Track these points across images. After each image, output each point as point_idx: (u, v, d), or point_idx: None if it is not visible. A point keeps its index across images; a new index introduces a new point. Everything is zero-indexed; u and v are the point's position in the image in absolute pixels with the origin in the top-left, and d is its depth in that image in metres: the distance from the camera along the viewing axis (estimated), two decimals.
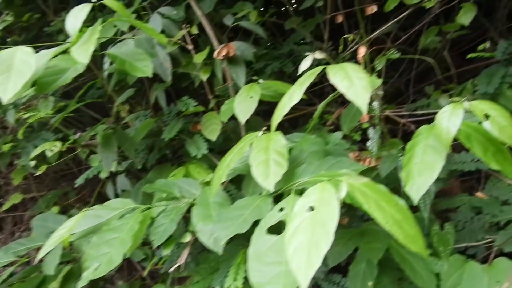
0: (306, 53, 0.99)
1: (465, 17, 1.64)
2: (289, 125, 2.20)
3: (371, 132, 1.31)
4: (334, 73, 0.98)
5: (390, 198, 0.91)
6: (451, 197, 1.66)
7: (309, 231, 0.81)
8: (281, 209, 1.00)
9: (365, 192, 0.89)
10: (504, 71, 1.51)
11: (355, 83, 0.94)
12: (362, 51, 1.14)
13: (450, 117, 0.97)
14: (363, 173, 1.44)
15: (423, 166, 1.01)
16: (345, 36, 1.38)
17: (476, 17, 2.20)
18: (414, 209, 1.37)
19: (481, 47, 1.54)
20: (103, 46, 1.64)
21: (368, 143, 1.36)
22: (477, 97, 1.58)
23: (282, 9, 2.44)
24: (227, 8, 2.10)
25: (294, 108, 2.27)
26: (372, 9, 1.55)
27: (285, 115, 2.13)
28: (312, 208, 0.85)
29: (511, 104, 1.49)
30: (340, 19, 1.66)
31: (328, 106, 2.04)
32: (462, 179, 1.99)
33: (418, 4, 1.71)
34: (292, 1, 2.53)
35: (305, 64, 1.01)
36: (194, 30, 1.57)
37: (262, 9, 2.45)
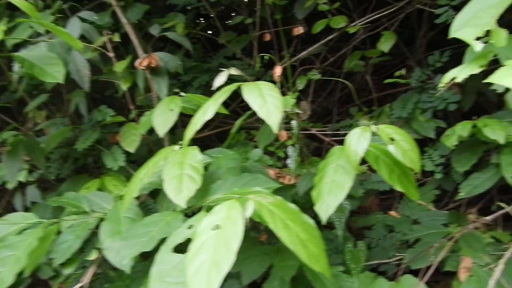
0: (222, 69, 0.98)
1: (385, 44, 1.74)
2: (217, 139, 2.19)
3: (290, 150, 1.32)
4: (249, 91, 0.98)
5: (298, 217, 0.92)
6: (367, 215, 1.72)
7: (212, 250, 0.79)
8: (191, 227, 0.97)
9: (272, 211, 0.88)
10: (417, 98, 1.60)
11: (267, 102, 0.95)
12: (278, 70, 1.15)
13: (358, 140, 1.00)
14: (283, 190, 1.46)
15: (333, 186, 1.03)
16: (261, 54, 1.39)
17: (399, 45, 2.35)
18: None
19: (397, 73, 1.63)
20: (18, 47, 1.53)
21: (287, 161, 1.38)
22: (393, 121, 1.66)
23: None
24: (160, 18, 2.06)
25: (224, 122, 2.27)
26: (298, 30, 1.59)
27: (213, 129, 2.11)
28: (218, 227, 0.83)
29: (423, 129, 1.58)
30: (268, 37, 1.68)
31: (257, 122, 2.05)
32: (382, 197, 2.08)
33: (343, 28, 1.78)
34: (234, 14, 2.55)
35: (219, 80, 1.00)
36: (116, 38, 1.51)
37: (203, 19, 2.44)
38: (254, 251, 1.35)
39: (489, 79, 0.61)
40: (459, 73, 0.71)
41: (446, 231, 1.45)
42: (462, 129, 1.31)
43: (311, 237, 0.88)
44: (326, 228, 1.62)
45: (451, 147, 1.32)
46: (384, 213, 1.67)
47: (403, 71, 1.60)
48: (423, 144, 1.74)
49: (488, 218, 1.25)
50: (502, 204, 1.15)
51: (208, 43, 2.29)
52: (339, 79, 1.74)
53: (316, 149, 2.25)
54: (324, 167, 1.08)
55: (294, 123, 1.23)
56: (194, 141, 2.10)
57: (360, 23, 1.85)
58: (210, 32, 2.35)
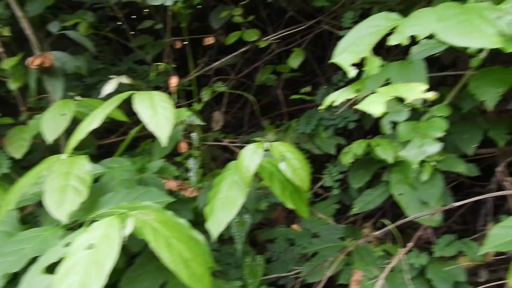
0: (112, 76, 0.93)
1: (295, 60, 1.78)
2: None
3: (191, 163, 1.29)
4: (140, 100, 0.94)
5: (185, 234, 0.89)
6: (272, 228, 1.74)
7: (82, 271, 0.73)
8: (68, 244, 0.89)
9: (156, 228, 0.84)
10: (321, 115, 1.66)
11: (158, 113, 0.91)
12: (173, 81, 1.12)
13: (251, 156, 1.00)
14: (184, 203, 1.42)
15: (226, 202, 1.02)
16: (156, 64, 1.36)
17: (312, 62, 2.43)
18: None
19: (303, 90, 1.67)
20: None
21: (189, 174, 1.34)
22: (298, 136, 1.70)
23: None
24: (68, 15, 1.93)
25: (133, 129, 2.16)
26: (209, 40, 1.58)
27: (120, 136, 1.99)
28: (92, 246, 0.77)
29: (325, 145, 1.64)
30: (179, 45, 1.65)
31: None
32: (291, 209, 2.11)
33: (255, 42, 1.80)
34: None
35: (108, 87, 0.95)
36: (6, 32, 1.38)
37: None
38: (149, 267, 1.28)
39: (357, 106, 0.63)
40: (338, 97, 0.74)
41: (342, 244, 1.51)
42: (357, 147, 1.37)
43: (195, 256, 0.85)
44: (229, 241, 1.60)
45: (347, 164, 1.38)
46: (287, 226, 1.70)
47: (308, 88, 1.65)
48: (326, 159, 1.81)
49: (377, 233, 1.32)
50: (386, 221, 1.22)
51: (121, 46, 2.19)
52: (241, 92, 1.76)
53: (228, 161, 2.23)
54: (220, 182, 1.07)
55: (194, 135, 1.20)
56: (99, 148, 1.99)
57: (272, 38, 1.89)
58: (132, 33, 2.25)
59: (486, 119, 1.47)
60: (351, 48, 0.73)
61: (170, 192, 1.46)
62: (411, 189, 1.31)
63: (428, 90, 1.20)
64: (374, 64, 0.69)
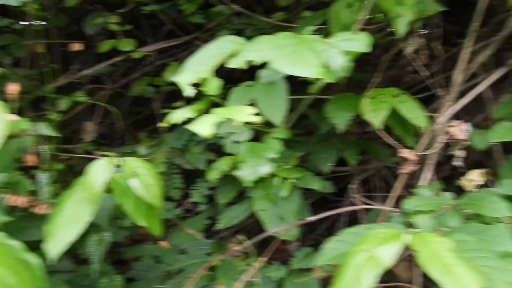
0: None
1: (169, 74, 1.77)
2: None
3: (41, 177, 1.19)
4: None
5: (12, 258, 0.81)
6: (137, 245, 1.67)
7: None
8: None
9: None
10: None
11: None
12: (12, 88, 1.03)
13: (100, 171, 0.95)
14: (36, 220, 1.30)
15: (70, 220, 0.95)
16: None
17: None
18: None
19: (174, 104, 1.66)
20: None
21: (42, 189, 1.23)
22: (171, 150, 1.68)
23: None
24: None
25: None
26: (74, 46, 1.49)
27: None
28: None
29: (195, 160, 1.65)
30: (40, 49, 1.52)
31: None
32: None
33: (130, 52, 1.75)
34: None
35: None
36: None
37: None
38: None
39: (187, 126, 0.64)
40: (179, 116, 0.74)
41: (208, 260, 1.51)
42: (223, 163, 1.39)
43: (22, 281, 0.78)
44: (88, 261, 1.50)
45: (213, 180, 1.39)
46: (155, 242, 1.65)
47: (181, 103, 1.65)
48: (201, 175, 1.81)
49: (239, 247, 1.34)
50: (240, 237, 1.25)
51: None
52: (104, 104, 1.70)
53: None
54: (65, 199, 1.00)
55: (43, 148, 1.11)
56: None
57: (151, 50, 1.86)
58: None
59: (342, 140, 1.60)
60: (194, 67, 0.74)
61: (22, 209, 1.33)
62: (272, 205, 1.36)
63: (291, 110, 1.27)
64: (213, 85, 0.71)
